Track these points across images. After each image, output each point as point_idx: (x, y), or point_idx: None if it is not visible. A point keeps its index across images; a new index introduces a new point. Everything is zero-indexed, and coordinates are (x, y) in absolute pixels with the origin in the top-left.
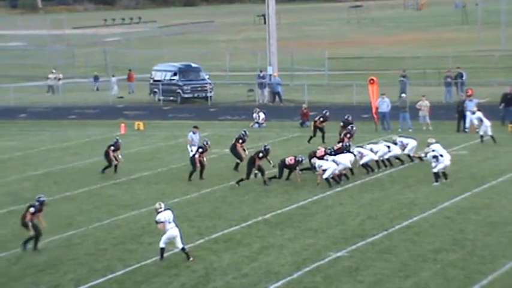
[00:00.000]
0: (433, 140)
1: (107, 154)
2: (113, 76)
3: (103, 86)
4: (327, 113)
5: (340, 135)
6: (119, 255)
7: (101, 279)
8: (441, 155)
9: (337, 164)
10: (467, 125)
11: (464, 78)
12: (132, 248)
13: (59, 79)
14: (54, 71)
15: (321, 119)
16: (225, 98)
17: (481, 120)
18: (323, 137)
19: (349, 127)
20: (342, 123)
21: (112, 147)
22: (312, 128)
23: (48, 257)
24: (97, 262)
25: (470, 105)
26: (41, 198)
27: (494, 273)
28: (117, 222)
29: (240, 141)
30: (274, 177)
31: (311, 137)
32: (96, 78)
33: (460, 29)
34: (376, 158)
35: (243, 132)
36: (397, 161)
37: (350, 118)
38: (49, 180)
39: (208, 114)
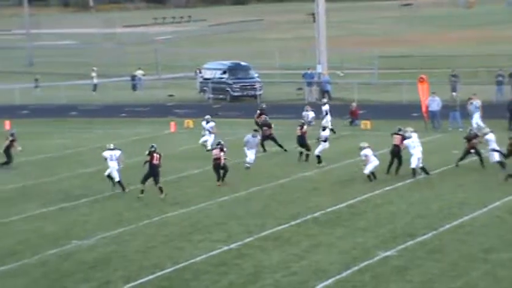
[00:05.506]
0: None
1: (7, 148)
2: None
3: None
4: (264, 106)
5: (256, 124)
6: (168, 253)
7: (150, 276)
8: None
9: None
10: None
11: None
12: (181, 246)
13: (143, 75)
14: (95, 69)
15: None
16: (274, 96)
17: None
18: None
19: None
20: (258, 111)
21: (11, 138)
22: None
23: (99, 254)
24: (146, 259)
25: None
26: None
27: None
28: (166, 219)
29: (304, 126)
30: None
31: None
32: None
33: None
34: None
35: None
36: None
37: (265, 106)
38: (99, 178)
39: None
